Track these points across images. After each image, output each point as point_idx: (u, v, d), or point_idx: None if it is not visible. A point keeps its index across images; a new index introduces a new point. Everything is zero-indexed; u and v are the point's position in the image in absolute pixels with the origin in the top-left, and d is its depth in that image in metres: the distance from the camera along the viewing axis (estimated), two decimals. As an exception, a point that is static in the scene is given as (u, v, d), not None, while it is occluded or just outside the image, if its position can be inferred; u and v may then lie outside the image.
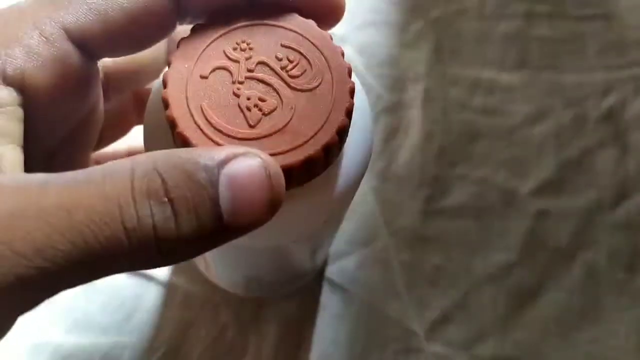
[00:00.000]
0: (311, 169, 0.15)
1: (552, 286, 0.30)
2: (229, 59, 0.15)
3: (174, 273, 0.29)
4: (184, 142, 0.15)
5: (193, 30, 0.16)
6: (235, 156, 0.13)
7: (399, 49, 0.35)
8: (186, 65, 0.15)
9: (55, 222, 0.12)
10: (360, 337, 0.28)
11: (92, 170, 0.13)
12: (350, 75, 0.16)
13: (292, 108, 0.15)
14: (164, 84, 0.15)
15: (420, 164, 0.32)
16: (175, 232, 0.12)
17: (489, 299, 0.30)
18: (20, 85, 0.15)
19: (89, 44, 0.16)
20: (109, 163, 0.13)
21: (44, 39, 0.15)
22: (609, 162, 0.33)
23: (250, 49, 0.16)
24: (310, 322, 0.29)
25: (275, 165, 0.14)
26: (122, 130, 0.24)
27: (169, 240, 0.12)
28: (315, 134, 0.15)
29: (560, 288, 0.30)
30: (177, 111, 0.15)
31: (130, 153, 0.24)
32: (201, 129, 0.15)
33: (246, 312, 0.29)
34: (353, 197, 0.19)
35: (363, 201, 0.31)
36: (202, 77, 0.15)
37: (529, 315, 0.29)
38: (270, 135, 0.15)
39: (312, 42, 0.16)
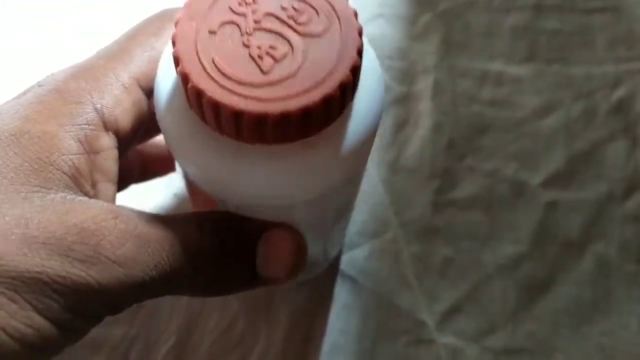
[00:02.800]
0: (329, 110, 0.15)
1: (562, 278, 0.30)
2: (236, 13, 0.16)
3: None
4: (199, 95, 0.14)
5: None
6: (273, 226, 0.18)
7: (408, 42, 0.35)
8: (193, 24, 0.15)
9: (168, 250, 0.16)
10: (370, 328, 0.28)
11: (180, 217, 0.17)
12: (357, 18, 0.16)
13: (303, 53, 0.15)
14: (173, 43, 0.15)
15: (430, 156, 0.32)
16: (223, 278, 0.18)
17: (500, 291, 0.29)
18: (115, 130, 0.17)
19: (151, 87, 0.18)
20: (184, 215, 0.17)
21: (125, 88, 0.18)
22: (619, 155, 0.33)
23: (255, 2, 0.16)
24: (320, 313, 0.29)
25: (302, 238, 0.18)
26: (121, 185, 0.24)
27: (218, 282, 0.18)
28: (329, 74, 0.15)
29: (571, 280, 0.30)
30: (189, 66, 0.15)
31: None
32: (215, 80, 0.15)
33: (256, 303, 0.29)
34: (368, 155, 0.19)
35: (373, 192, 0.31)
36: (211, 32, 0.15)
37: (540, 307, 0.29)
38: (284, 80, 0.15)
39: None
